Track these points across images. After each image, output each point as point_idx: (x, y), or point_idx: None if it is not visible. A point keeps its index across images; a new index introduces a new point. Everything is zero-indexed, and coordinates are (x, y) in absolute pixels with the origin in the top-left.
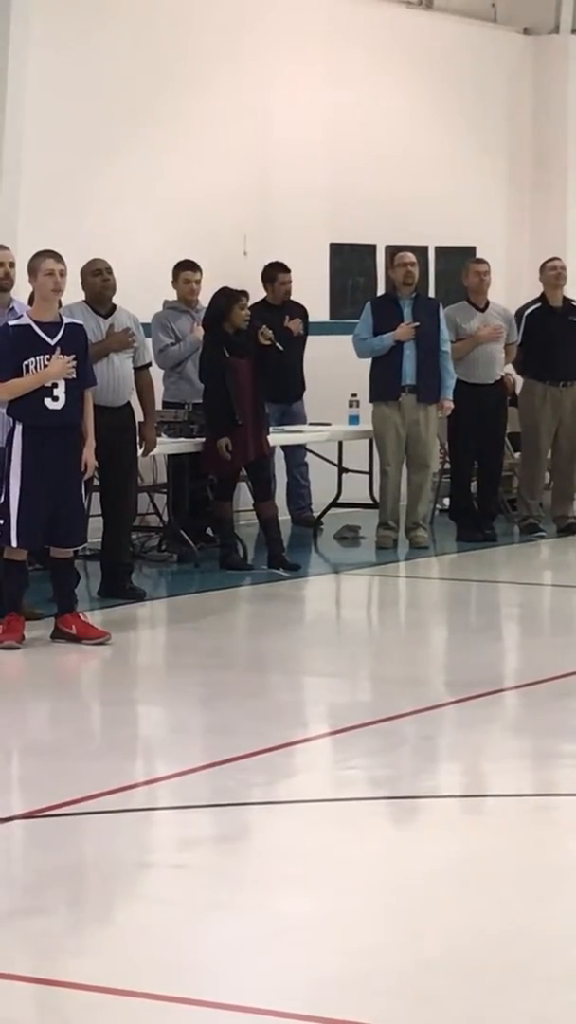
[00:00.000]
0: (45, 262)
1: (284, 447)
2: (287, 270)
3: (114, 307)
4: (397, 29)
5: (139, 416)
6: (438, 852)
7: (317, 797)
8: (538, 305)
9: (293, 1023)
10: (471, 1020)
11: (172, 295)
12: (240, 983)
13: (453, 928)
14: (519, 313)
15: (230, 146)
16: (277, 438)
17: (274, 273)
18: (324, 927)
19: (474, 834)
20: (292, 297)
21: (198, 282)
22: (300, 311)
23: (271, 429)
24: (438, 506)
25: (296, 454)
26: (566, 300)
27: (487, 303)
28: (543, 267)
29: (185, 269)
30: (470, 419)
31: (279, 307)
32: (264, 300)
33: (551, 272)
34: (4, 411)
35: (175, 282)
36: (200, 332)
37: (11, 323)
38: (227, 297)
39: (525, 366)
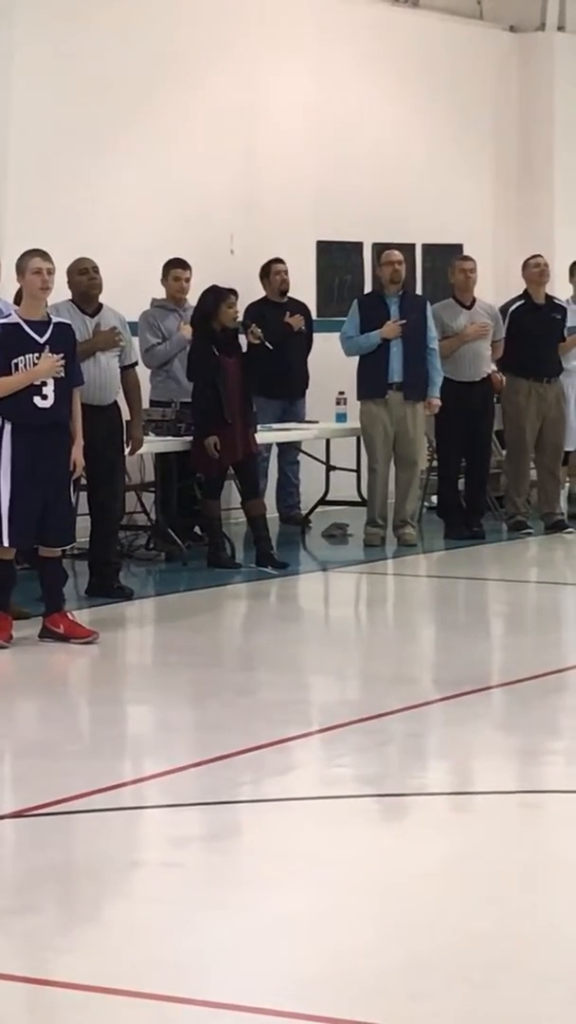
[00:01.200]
0: (32, 261)
1: (279, 444)
2: (281, 261)
3: (100, 306)
4: (383, 27)
5: (126, 415)
6: (427, 849)
7: (306, 795)
8: (522, 302)
9: (282, 1021)
10: (461, 1017)
11: (160, 294)
12: (230, 981)
13: (443, 925)
14: (503, 310)
15: (217, 144)
16: (265, 436)
17: (268, 266)
18: (313, 925)
19: (463, 831)
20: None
21: (188, 280)
22: (301, 308)
23: (259, 427)
24: (426, 503)
25: (289, 452)
26: (548, 297)
27: (473, 300)
28: (526, 264)
29: (176, 267)
30: (457, 417)
31: (279, 304)
32: (264, 298)
33: (534, 269)
34: None
35: (164, 279)
36: (187, 331)
37: (0, 322)
38: (215, 295)
39: (508, 363)
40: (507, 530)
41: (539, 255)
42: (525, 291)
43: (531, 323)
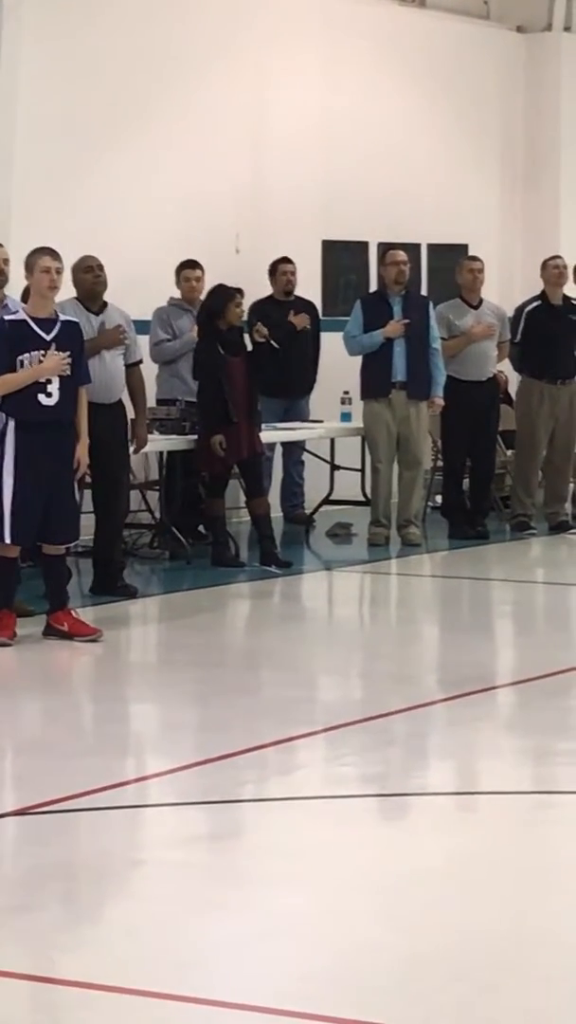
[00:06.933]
0: (41, 259)
1: (284, 444)
2: (289, 261)
3: (105, 304)
4: (390, 27)
5: (131, 413)
6: (430, 849)
7: (309, 794)
8: (538, 303)
9: (285, 1019)
10: (464, 1016)
11: (171, 293)
12: (232, 980)
13: (446, 924)
14: (519, 310)
15: (223, 144)
16: (270, 435)
17: (276, 265)
18: (316, 924)
19: (466, 831)
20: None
21: (198, 280)
22: (308, 308)
23: (264, 426)
24: (430, 503)
25: (294, 451)
26: (566, 298)
27: (480, 300)
28: (544, 265)
29: (185, 268)
30: (462, 416)
31: (284, 302)
32: (269, 296)
33: (553, 270)
34: None
35: (178, 280)
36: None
37: (6, 318)
38: (222, 295)
39: (523, 363)
40: (510, 529)
41: (559, 256)
42: (542, 292)
43: (547, 324)
